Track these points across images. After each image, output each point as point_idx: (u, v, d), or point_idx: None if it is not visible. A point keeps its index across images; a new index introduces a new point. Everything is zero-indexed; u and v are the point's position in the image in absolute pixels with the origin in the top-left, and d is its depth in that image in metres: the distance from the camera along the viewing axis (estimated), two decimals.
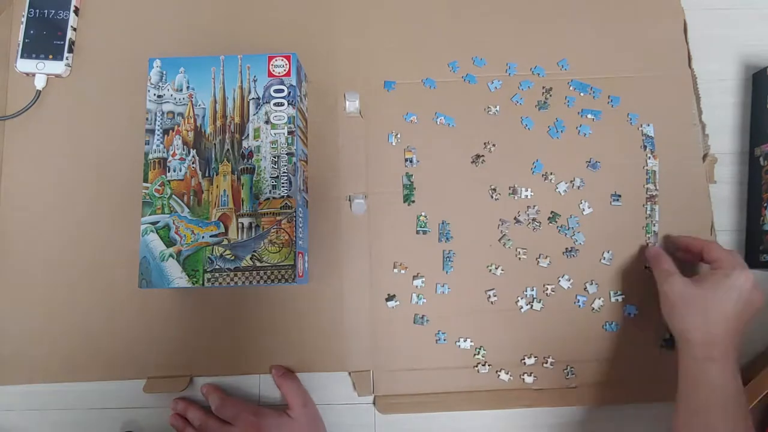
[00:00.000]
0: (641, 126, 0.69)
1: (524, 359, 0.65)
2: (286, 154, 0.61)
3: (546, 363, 0.65)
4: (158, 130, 0.62)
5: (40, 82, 0.69)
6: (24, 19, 0.70)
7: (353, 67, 0.71)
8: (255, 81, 0.63)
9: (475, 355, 0.65)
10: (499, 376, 0.65)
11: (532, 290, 0.66)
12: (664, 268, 0.61)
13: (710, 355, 0.56)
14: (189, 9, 0.72)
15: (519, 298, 0.66)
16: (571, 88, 0.70)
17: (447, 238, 0.67)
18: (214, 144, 0.62)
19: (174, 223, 0.60)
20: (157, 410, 0.65)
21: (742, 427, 0.55)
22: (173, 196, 0.61)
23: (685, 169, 0.69)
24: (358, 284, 0.66)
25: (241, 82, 0.63)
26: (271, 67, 0.63)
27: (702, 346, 0.56)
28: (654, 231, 0.67)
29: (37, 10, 0.70)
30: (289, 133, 0.62)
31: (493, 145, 0.69)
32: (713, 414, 0.55)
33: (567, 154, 0.69)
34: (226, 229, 0.60)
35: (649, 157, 0.69)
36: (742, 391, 0.56)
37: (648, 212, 0.67)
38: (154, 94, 0.63)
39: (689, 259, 0.64)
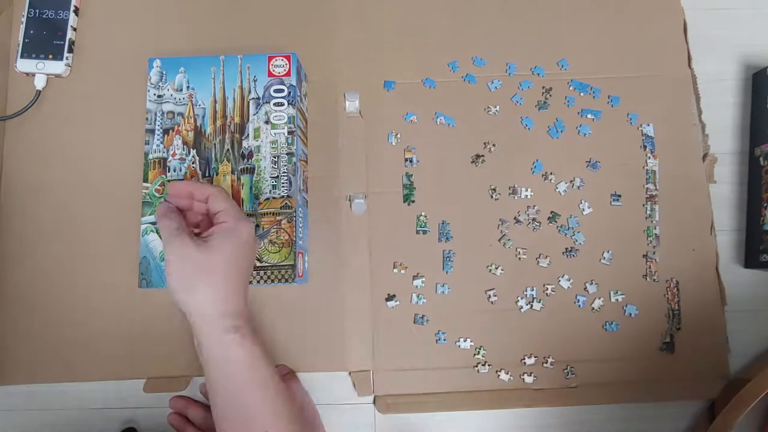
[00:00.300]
0: (641, 126, 0.69)
1: (524, 359, 0.65)
2: (286, 154, 0.61)
3: (546, 363, 0.65)
4: (158, 130, 0.62)
5: (40, 82, 0.69)
6: (24, 19, 0.70)
7: (353, 67, 0.71)
8: (255, 81, 0.63)
9: (475, 355, 0.65)
10: (499, 376, 0.65)
11: (532, 290, 0.66)
12: (173, 226, 0.51)
13: (234, 325, 0.49)
14: (189, 9, 0.72)
15: (519, 298, 0.66)
16: (571, 88, 0.70)
17: (447, 238, 0.67)
18: (214, 144, 0.62)
19: None
20: (157, 410, 0.65)
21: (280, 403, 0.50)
22: None
23: (685, 169, 0.69)
24: (358, 284, 0.66)
25: (241, 82, 0.63)
26: (271, 67, 0.63)
27: (223, 318, 0.49)
28: (655, 234, 0.67)
29: (37, 10, 0.70)
30: (289, 133, 0.62)
31: (493, 145, 0.69)
32: (247, 396, 0.49)
33: (567, 154, 0.69)
34: None
35: (649, 157, 0.69)
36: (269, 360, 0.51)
37: (648, 212, 0.68)
38: (154, 94, 0.63)
39: (187, 206, 0.54)
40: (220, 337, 0.49)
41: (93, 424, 0.65)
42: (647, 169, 0.68)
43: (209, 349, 0.49)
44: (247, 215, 0.60)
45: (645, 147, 0.69)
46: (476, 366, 0.65)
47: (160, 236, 0.60)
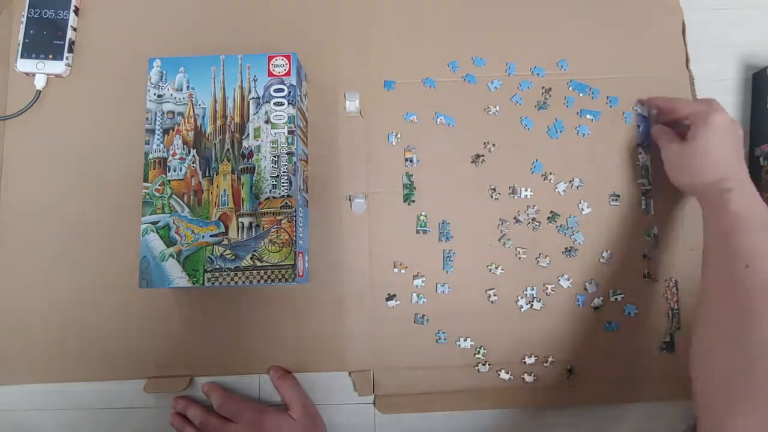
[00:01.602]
0: (636, 112, 0.69)
1: (524, 358, 0.65)
2: (286, 153, 0.61)
3: (546, 362, 0.65)
4: (158, 130, 0.62)
5: (40, 82, 0.69)
6: (24, 19, 0.70)
7: (353, 67, 0.71)
8: (255, 80, 0.63)
9: (475, 354, 0.65)
10: (499, 375, 0.65)
11: (532, 290, 0.66)
12: (665, 138, 0.65)
13: (725, 187, 0.58)
14: (189, 9, 0.72)
15: (519, 298, 0.66)
16: (570, 88, 0.70)
17: (447, 238, 0.67)
18: (214, 144, 0.62)
19: (174, 223, 0.60)
20: (157, 410, 0.65)
21: None
22: (173, 195, 0.61)
23: None
24: (358, 284, 0.66)
25: (241, 81, 0.63)
26: (271, 66, 0.63)
27: (713, 185, 0.59)
28: (654, 234, 0.67)
29: (37, 10, 0.70)
30: (290, 132, 0.62)
31: (493, 145, 0.69)
32: (746, 235, 0.55)
33: (566, 154, 0.69)
34: (227, 228, 0.60)
35: (640, 153, 0.69)
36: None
37: (643, 207, 0.68)
38: (154, 94, 0.63)
39: (671, 121, 0.67)
40: (719, 197, 0.58)
41: (93, 424, 0.65)
42: (639, 165, 0.69)
43: (710, 211, 0.59)
44: (248, 214, 0.60)
45: (638, 143, 0.69)
46: (476, 365, 0.65)
47: (160, 237, 0.60)
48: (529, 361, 0.65)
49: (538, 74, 0.71)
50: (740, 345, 0.49)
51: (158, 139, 0.62)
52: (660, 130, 0.66)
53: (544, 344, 0.65)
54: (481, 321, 0.66)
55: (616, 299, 0.66)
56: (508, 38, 0.72)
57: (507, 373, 0.65)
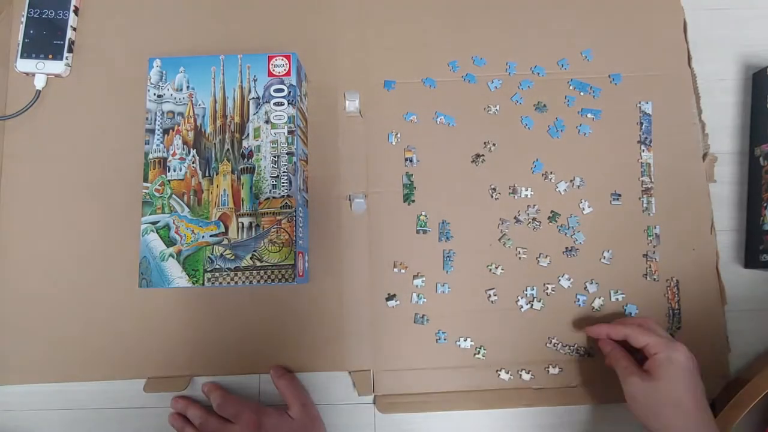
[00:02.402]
0: (639, 109, 0.69)
1: (524, 358, 0.65)
2: (286, 153, 0.61)
3: (546, 362, 0.65)
4: (158, 130, 0.62)
5: (40, 82, 0.69)
6: (24, 19, 0.70)
7: (353, 67, 0.71)
8: (255, 80, 0.63)
9: (475, 354, 0.65)
10: (499, 375, 0.65)
11: (532, 289, 0.66)
12: (622, 366, 0.59)
13: None
14: (189, 9, 0.72)
15: (519, 298, 0.66)
16: (570, 87, 0.70)
17: (447, 238, 0.67)
18: (214, 143, 0.62)
19: (174, 223, 0.60)
20: (157, 410, 0.65)
21: None
22: (173, 195, 0.61)
23: (685, 168, 0.69)
24: (358, 284, 0.66)
25: (241, 81, 0.63)
26: (271, 66, 0.63)
27: None
28: (655, 233, 0.67)
29: (37, 10, 0.70)
30: (289, 132, 0.62)
31: (493, 145, 0.69)
32: None
33: (567, 154, 0.69)
34: (227, 228, 0.60)
35: (643, 150, 0.69)
36: None
37: (644, 205, 0.68)
38: (154, 94, 0.63)
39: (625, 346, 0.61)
40: None
41: (93, 424, 0.65)
42: (641, 162, 0.68)
43: None
44: (248, 214, 0.60)
45: (640, 140, 0.69)
46: (476, 365, 0.65)
47: (160, 237, 0.60)
48: (529, 360, 0.65)
49: (538, 73, 0.71)
50: None
51: (158, 139, 0.62)
52: (616, 357, 0.60)
53: (544, 344, 0.65)
54: (481, 321, 0.66)
55: (617, 299, 0.66)
56: (508, 37, 0.72)
57: (507, 373, 0.65)
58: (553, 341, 0.65)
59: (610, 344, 0.62)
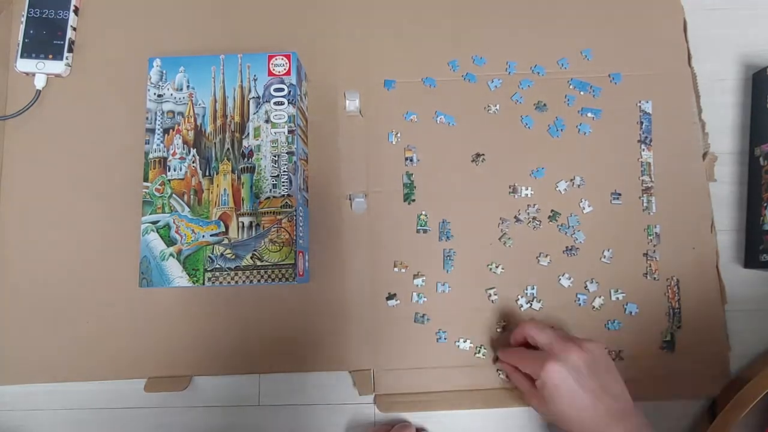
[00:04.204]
0: (639, 108, 0.69)
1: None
2: (287, 153, 0.61)
3: None
4: (158, 130, 0.62)
5: (40, 82, 0.69)
6: (24, 19, 0.70)
7: (353, 66, 0.71)
8: (255, 80, 0.63)
9: (475, 354, 0.65)
10: (500, 374, 0.65)
11: (533, 289, 0.66)
12: (523, 388, 0.59)
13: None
14: (189, 8, 0.72)
15: (519, 297, 0.66)
16: (571, 86, 0.70)
17: (447, 237, 0.67)
18: (215, 143, 0.62)
19: (174, 223, 0.60)
20: (157, 410, 0.65)
21: None
22: (173, 195, 0.61)
23: (685, 167, 0.69)
24: (358, 283, 0.66)
25: (241, 81, 0.63)
26: (271, 66, 0.63)
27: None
28: (656, 232, 0.67)
29: (37, 10, 0.70)
30: (290, 132, 0.62)
31: (494, 144, 0.69)
32: None
33: (567, 153, 0.69)
34: (227, 228, 0.60)
35: (644, 149, 0.69)
36: None
37: (645, 204, 0.68)
38: (154, 94, 0.63)
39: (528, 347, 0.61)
40: None
41: (93, 424, 0.65)
42: (642, 161, 0.69)
43: None
44: (248, 214, 0.60)
45: (640, 139, 0.69)
46: (477, 365, 0.65)
47: (160, 236, 0.60)
48: None
49: (538, 73, 0.71)
50: None
51: (158, 139, 0.62)
52: (518, 382, 0.60)
53: None
54: (481, 320, 0.66)
55: (617, 298, 0.66)
56: (508, 37, 0.72)
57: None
58: None
59: (508, 368, 0.62)
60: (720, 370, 0.65)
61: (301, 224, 0.62)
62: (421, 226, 0.67)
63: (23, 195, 0.68)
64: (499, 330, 0.65)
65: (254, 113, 0.62)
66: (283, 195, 0.61)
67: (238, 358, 0.65)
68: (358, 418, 0.65)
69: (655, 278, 0.66)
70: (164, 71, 0.64)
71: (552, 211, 0.68)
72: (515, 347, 0.62)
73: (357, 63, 0.71)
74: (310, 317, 0.66)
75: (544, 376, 0.54)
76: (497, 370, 0.64)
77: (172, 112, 0.63)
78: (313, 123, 0.70)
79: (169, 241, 0.60)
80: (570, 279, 0.66)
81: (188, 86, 0.63)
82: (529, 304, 0.66)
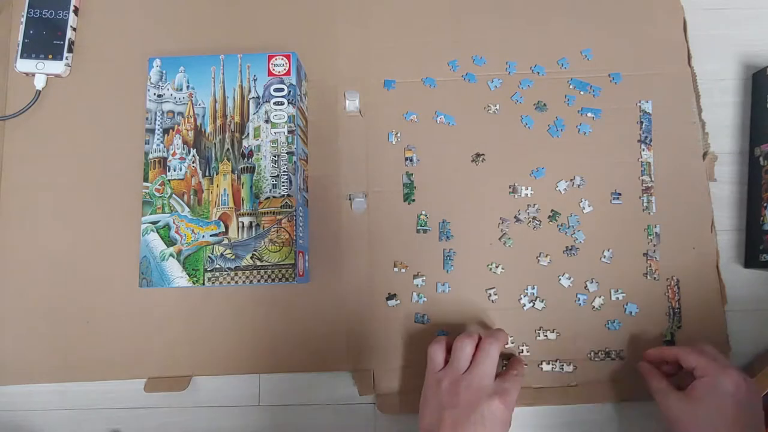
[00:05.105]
0: (639, 108, 0.69)
1: (525, 358, 0.65)
2: (287, 153, 0.61)
3: (546, 361, 0.65)
4: (158, 130, 0.62)
5: (39, 82, 0.69)
6: (24, 19, 0.70)
7: (353, 66, 0.71)
8: (255, 80, 0.63)
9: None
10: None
11: (533, 288, 0.66)
12: (655, 386, 0.59)
13: None
14: (188, 8, 0.72)
15: (521, 296, 0.66)
16: (571, 86, 0.70)
17: (447, 237, 0.67)
18: (214, 143, 0.62)
19: (174, 223, 0.60)
20: (157, 410, 0.65)
21: None
22: (173, 195, 0.61)
23: (685, 167, 0.69)
24: (358, 283, 0.66)
25: (241, 81, 0.63)
26: (271, 66, 0.63)
27: None
28: (656, 232, 0.67)
29: (37, 10, 0.70)
30: (289, 132, 0.62)
31: (494, 144, 0.69)
32: None
33: (567, 153, 0.69)
34: (227, 228, 0.60)
35: (644, 149, 0.69)
36: None
37: (645, 204, 0.68)
38: (154, 94, 0.63)
39: (671, 370, 0.61)
40: None
41: (93, 424, 0.65)
42: (642, 161, 0.69)
43: None
44: (248, 214, 0.60)
45: (640, 139, 0.69)
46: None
47: (160, 236, 0.60)
48: (530, 360, 0.65)
49: (538, 73, 0.71)
50: None
51: (158, 139, 0.62)
52: (650, 374, 0.60)
53: (544, 343, 0.65)
54: (481, 320, 0.66)
55: (617, 298, 0.66)
56: (508, 37, 0.72)
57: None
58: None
59: (645, 366, 0.61)
60: None
61: (301, 224, 0.62)
62: (421, 226, 0.67)
63: (23, 195, 0.68)
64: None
65: (254, 113, 0.62)
66: (283, 195, 0.61)
67: (238, 358, 0.65)
68: (358, 418, 0.65)
69: (655, 278, 0.66)
70: (164, 71, 0.64)
71: (552, 210, 0.68)
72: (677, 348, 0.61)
73: (357, 63, 0.71)
74: (310, 317, 0.66)
75: (723, 380, 0.53)
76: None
77: (172, 112, 0.63)
78: (313, 123, 0.70)
79: (169, 241, 0.60)
80: (570, 279, 0.66)
81: (188, 86, 0.63)
82: (531, 304, 0.66)
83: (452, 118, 0.70)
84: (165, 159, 0.62)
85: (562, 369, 0.65)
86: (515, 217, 0.67)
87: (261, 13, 0.72)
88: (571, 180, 0.68)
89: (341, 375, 0.65)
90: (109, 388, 0.65)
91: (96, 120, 0.70)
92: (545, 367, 0.65)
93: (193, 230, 0.60)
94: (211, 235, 0.60)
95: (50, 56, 0.69)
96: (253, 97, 0.63)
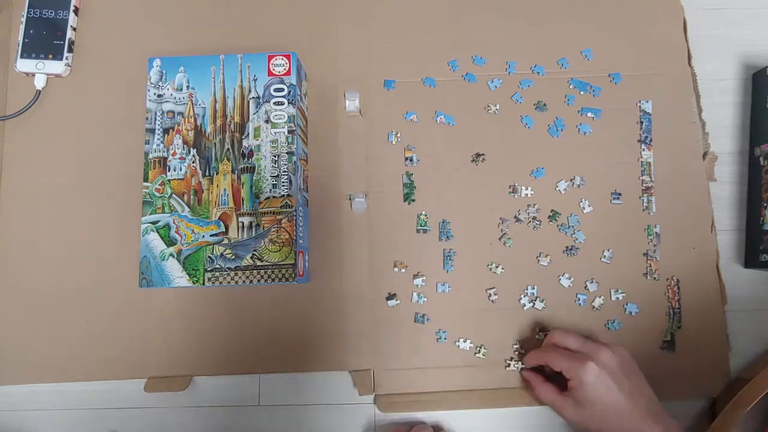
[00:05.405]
0: (639, 108, 0.69)
1: (524, 358, 0.65)
2: (287, 153, 0.61)
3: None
4: (158, 130, 0.62)
5: (39, 82, 0.69)
6: (24, 19, 0.70)
7: (353, 66, 0.71)
8: (255, 80, 0.63)
9: (475, 354, 0.65)
10: (500, 374, 0.64)
11: (533, 288, 0.66)
12: (546, 397, 0.60)
13: None
14: (188, 8, 0.72)
15: (521, 297, 0.66)
16: (571, 86, 0.70)
17: (447, 237, 0.67)
18: (215, 143, 0.62)
19: (174, 223, 0.60)
20: (157, 410, 0.65)
21: None
22: (173, 195, 0.61)
23: (685, 167, 0.69)
24: (358, 283, 0.66)
25: (241, 81, 0.63)
26: (271, 66, 0.63)
27: None
28: (656, 232, 0.67)
29: (37, 10, 0.70)
30: (290, 132, 0.62)
31: (494, 144, 0.69)
32: None
33: (567, 153, 0.69)
34: (227, 228, 0.60)
35: (644, 149, 0.69)
36: None
37: (645, 204, 0.68)
38: (154, 94, 0.63)
39: (552, 371, 0.60)
40: None
41: (93, 424, 0.65)
42: (642, 161, 0.69)
43: None
44: (248, 214, 0.60)
45: (640, 139, 0.69)
46: (477, 365, 0.65)
47: (160, 236, 0.60)
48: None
49: (538, 72, 0.71)
50: None
51: (158, 139, 0.62)
52: (534, 379, 0.62)
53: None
54: (481, 320, 0.66)
55: (617, 298, 0.66)
56: (508, 37, 0.72)
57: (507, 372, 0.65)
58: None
59: (532, 377, 0.62)
60: (720, 370, 0.65)
61: (301, 224, 0.62)
62: (421, 226, 0.67)
63: (23, 195, 0.68)
64: (539, 337, 0.65)
65: (254, 113, 0.62)
66: (283, 195, 0.61)
67: (238, 358, 0.65)
68: (358, 418, 0.65)
69: (655, 278, 0.66)
70: (164, 71, 0.64)
71: (552, 210, 0.68)
72: (544, 351, 0.62)
73: (357, 63, 0.71)
74: (310, 317, 0.66)
75: (582, 374, 0.55)
76: (521, 383, 0.64)
77: (172, 112, 0.63)
78: (313, 123, 0.70)
79: (169, 241, 0.60)
80: (570, 279, 0.66)
81: (188, 86, 0.63)
82: (531, 304, 0.66)
83: (452, 118, 0.70)
84: (165, 159, 0.62)
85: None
86: (515, 217, 0.67)
87: (261, 13, 0.72)
88: (571, 180, 0.68)
89: (341, 375, 0.65)
90: (109, 388, 0.65)
91: (96, 120, 0.70)
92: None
93: (193, 230, 0.60)
94: (211, 235, 0.60)
95: (50, 56, 0.69)
96: (253, 97, 0.63)
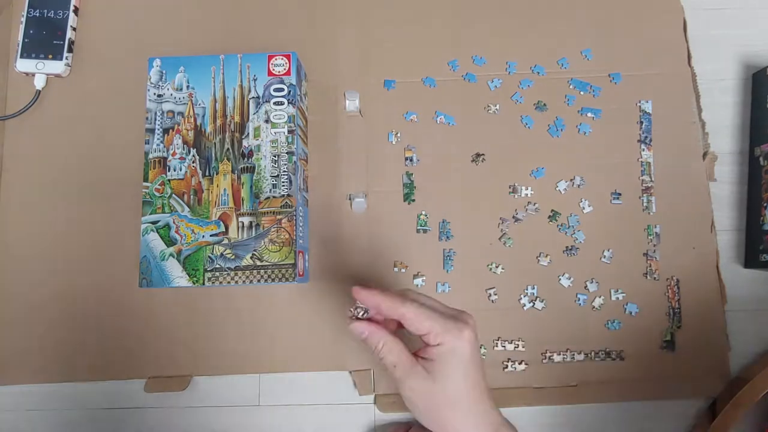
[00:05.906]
0: (640, 113, 0.69)
1: (525, 357, 0.65)
2: (287, 153, 0.61)
3: (546, 361, 0.65)
4: (158, 130, 0.62)
5: (39, 82, 0.69)
6: (23, 19, 0.70)
7: (353, 66, 0.71)
8: (255, 80, 0.63)
9: None
10: (499, 374, 0.64)
11: (533, 288, 0.66)
12: (392, 361, 0.47)
13: None
14: (189, 8, 0.72)
15: (521, 296, 0.66)
16: (570, 86, 0.70)
17: (447, 237, 0.67)
18: (214, 143, 0.62)
19: (174, 223, 0.60)
20: (157, 410, 0.65)
21: None
22: (173, 195, 0.61)
23: (685, 167, 0.69)
24: (358, 283, 0.66)
25: (241, 81, 0.63)
26: (271, 66, 0.63)
27: None
28: (656, 232, 0.67)
29: (37, 10, 0.70)
30: (289, 132, 0.62)
31: (494, 144, 0.69)
32: None
33: (567, 153, 0.69)
34: (227, 228, 0.60)
35: (644, 149, 0.69)
36: None
37: (645, 204, 0.68)
38: (154, 94, 0.63)
39: (393, 327, 0.51)
40: None
41: (93, 424, 0.65)
42: (642, 161, 0.69)
43: None
44: (248, 214, 0.60)
45: (640, 139, 0.69)
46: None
47: (160, 236, 0.60)
48: (530, 360, 0.65)
49: (538, 72, 0.71)
50: None
51: (158, 139, 0.62)
52: (375, 335, 0.48)
53: (545, 343, 0.65)
54: (481, 320, 0.65)
55: (617, 298, 0.66)
56: (508, 37, 0.72)
57: (507, 372, 0.65)
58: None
59: (379, 333, 0.49)
60: (720, 370, 0.65)
61: (301, 224, 0.62)
62: (421, 226, 0.67)
63: (23, 195, 0.68)
64: (356, 314, 0.51)
65: (254, 113, 0.62)
66: (283, 195, 0.61)
67: (238, 358, 0.65)
68: (358, 418, 0.65)
69: (655, 278, 0.66)
70: (164, 71, 0.64)
71: (552, 210, 0.68)
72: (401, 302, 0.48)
73: (357, 63, 0.71)
74: (310, 317, 0.66)
75: (460, 345, 0.46)
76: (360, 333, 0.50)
77: (172, 112, 0.63)
78: (313, 123, 0.70)
79: (169, 241, 0.60)
80: (570, 279, 0.66)
81: (188, 86, 0.63)
82: (531, 304, 0.66)
83: (452, 118, 0.70)
84: (165, 159, 0.62)
85: (562, 369, 0.65)
86: (515, 217, 0.67)
87: (261, 13, 0.72)
88: (571, 180, 0.68)
89: (341, 375, 0.65)
90: (109, 388, 0.65)
91: (96, 120, 0.70)
92: (544, 362, 0.65)
93: (193, 230, 0.60)
94: (211, 235, 0.60)
95: (50, 56, 0.69)
96: (253, 97, 0.63)
